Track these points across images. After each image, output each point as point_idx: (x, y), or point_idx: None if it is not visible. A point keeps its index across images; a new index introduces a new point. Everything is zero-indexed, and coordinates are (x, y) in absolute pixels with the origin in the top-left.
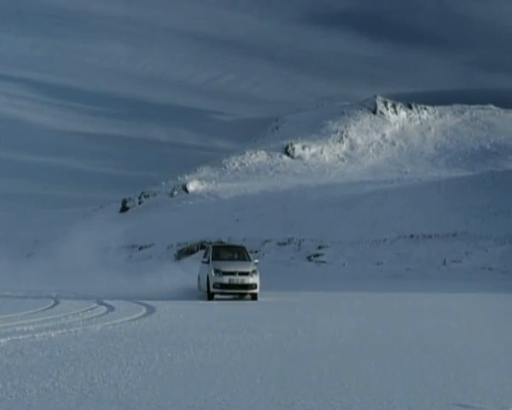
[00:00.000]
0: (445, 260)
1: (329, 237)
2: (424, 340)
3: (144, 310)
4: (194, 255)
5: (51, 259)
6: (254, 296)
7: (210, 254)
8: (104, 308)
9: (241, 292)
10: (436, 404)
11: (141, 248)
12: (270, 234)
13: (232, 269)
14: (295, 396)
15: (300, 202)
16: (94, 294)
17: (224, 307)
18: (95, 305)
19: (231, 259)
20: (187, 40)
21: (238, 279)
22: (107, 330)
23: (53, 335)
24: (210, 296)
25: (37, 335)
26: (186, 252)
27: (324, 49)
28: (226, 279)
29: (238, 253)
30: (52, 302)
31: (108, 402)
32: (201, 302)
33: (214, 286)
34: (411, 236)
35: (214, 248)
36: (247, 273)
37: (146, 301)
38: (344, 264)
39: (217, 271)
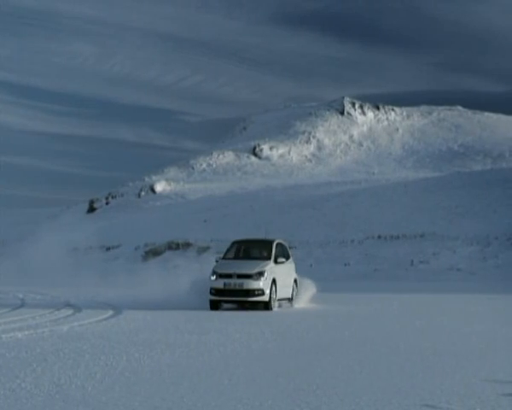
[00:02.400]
0: (412, 261)
1: (297, 238)
2: (392, 341)
3: (111, 311)
4: (161, 256)
5: (18, 259)
6: (266, 305)
7: (225, 252)
8: (71, 309)
9: (240, 300)
10: (403, 404)
11: (108, 248)
12: (237, 235)
13: (230, 270)
14: (263, 397)
15: (268, 202)
16: (64, 295)
17: (191, 308)
18: (62, 306)
19: (247, 257)
20: (155, 40)
21: (236, 284)
22: (74, 331)
23: (20, 336)
24: (211, 305)
25: (3, 336)
26: (153, 253)
27: (292, 50)
28: (221, 284)
29: (261, 249)
30: (19, 303)
31: (75, 403)
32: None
33: (211, 292)
34: (379, 236)
35: (233, 243)
36: (248, 276)
37: (112, 302)
38: (311, 265)
39: (214, 272)
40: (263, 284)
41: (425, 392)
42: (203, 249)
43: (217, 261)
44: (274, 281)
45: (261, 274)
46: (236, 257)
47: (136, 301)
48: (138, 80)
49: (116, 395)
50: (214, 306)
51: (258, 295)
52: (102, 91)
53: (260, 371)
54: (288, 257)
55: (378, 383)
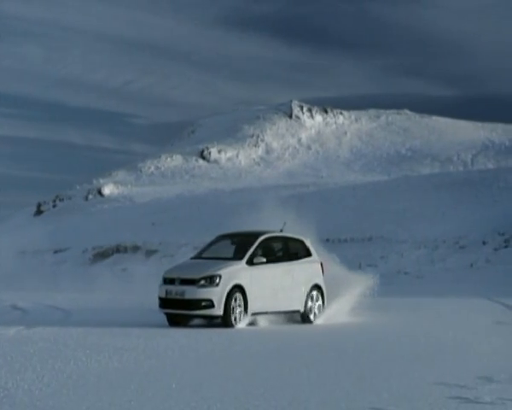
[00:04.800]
0: (360, 264)
1: None
2: (340, 344)
3: (59, 315)
4: (109, 259)
5: None
6: (225, 321)
7: (200, 249)
8: (18, 313)
9: (182, 313)
10: (351, 408)
11: (56, 252)
12: (186, 238)
13: (175, 274)
14: (211, 401)
15: (216, 205)
16: (11, 298)
17: (139, 312)
18: (9, 309)
19: (218, 256)
20: (103, 43)
21: (177, 292)
22: (21, 335)
23: None
24: (167, 319)
25: None
26: (101, 256)
27: (241, 53)
28: (163, 291)
29: (241, 246)
30: None
31: (23, 407)
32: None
33: (158, 302)
34: (327, 240)
35: (217, 238)
36: (192, 282)
37: (60, 306)
38: None
39: (163, 277)
40: (212, 292)
41: (373, 395)
42: (151, 252)
43: None
44: (240, 289)
45: (211, 279)
46: (206, 256)
47: (84, 304)
48: (87, 83)
49: (64, 398)
50: (172, 320)
51: (206, 307)
52: (51, 94)
53: (208, 375)
54: (296, 257)
55: (326, 387)
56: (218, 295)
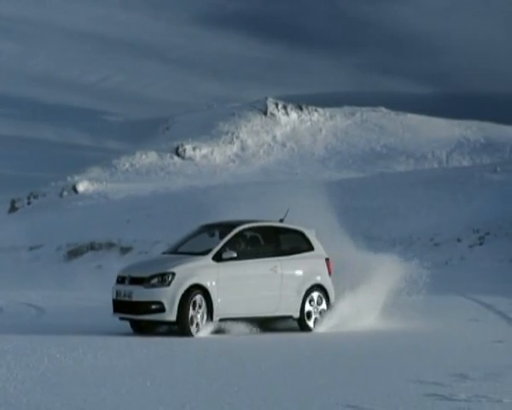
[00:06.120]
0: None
1: None
2: (315, 342)
3: (34, 312)
4: (83, 256)
5: None
6: (181, 328)
7: (178, 241)
8: None
9: (131, 318)
10: (326, 405)
11: (30, 249)
12: (160, 235)
13: (126, 272)
14: (185, 399)
15: (191, 202)
16: None
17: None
18: None
19: (194, 251)
20: (77, 39)
21: (125, 292)
22: None
23: None
24: (130, 324)
25: None
26: (76, 253)
27: (215, 50)
28: (114, 292)
29: (221, 237)
30: None
31: None
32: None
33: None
34: None
35: (200, 228)
36: (141, 281)
37: (35, 303)
38: None
39: (117, 276)
40: (162, 293)
41: (348, 393)
42: (126, 249)
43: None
44: (202, 289)
45: (162, 278)
46: (181, 250)
47: (58, 301)
48: (61, 80)
49: (38, 396)
50: (135, 326)
51: (156, 311)
52: (24, 91)
53: (183, 373)
54: (291, 252)
55: (301, 384)
56: (169, 296)
